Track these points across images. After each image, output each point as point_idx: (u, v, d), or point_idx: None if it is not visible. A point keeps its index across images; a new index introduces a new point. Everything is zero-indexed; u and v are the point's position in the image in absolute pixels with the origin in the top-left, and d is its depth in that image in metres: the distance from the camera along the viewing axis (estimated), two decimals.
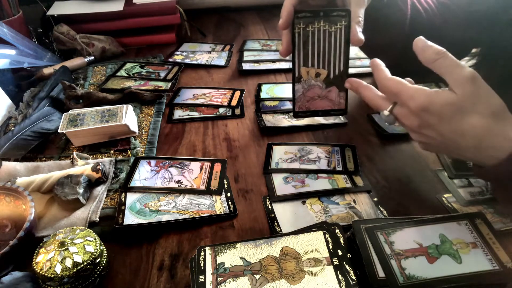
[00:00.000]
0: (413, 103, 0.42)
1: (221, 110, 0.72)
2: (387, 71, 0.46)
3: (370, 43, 0.54)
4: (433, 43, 0.43)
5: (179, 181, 0.55)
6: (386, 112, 0.46)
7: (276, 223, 0.48)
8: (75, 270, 0.39)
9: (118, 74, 0.85)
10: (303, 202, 0.51)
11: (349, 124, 0.67)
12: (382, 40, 0.67)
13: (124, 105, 0.66)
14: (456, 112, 0.40)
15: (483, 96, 0.40)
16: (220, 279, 0.40)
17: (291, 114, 0.70)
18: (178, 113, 0.72)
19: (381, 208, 0.50)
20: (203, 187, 0.54)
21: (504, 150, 0.39)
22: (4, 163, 0.56)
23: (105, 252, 0.44)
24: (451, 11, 0.70)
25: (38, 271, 0.39)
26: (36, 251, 0.41)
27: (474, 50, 0.78)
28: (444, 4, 0.71)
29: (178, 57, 0.93)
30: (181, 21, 1.03)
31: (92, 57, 0.91)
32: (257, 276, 0.40)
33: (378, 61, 0.47)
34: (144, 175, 0.56)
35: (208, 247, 0.43)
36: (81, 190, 0.51)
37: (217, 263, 0.42)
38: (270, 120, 0.68)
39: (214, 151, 0.62)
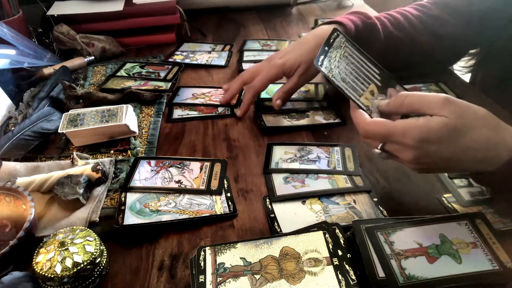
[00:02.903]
0: (409, 139, 0.40)
1: (220, 109, 0.72)
2: (365, 114, 0.45)
3: None
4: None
5: (179, 181, 0.55)
6: (377, 150, 0.44)
7: (276, 223, 0.48)
8: (75, 270, 0.39)
9: (118, 74, 0.85)
10: (303, 202, 0.51)
11: (349, 124, 0.67)
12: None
13: (124, 105, 0.66)
14: (454, 133, 0.39)
15: (468, 110, 0.40)
16: (220, 279, 0.40)
17: (291, 114, 0.70)
18: (178, 113, 0.72)
19: (381, 208, 0.50)
20: (203, 187, 0.54)
21: (503, 156, 0.40)
22: (4, 163, 0.56)
23: (105, 252, 0.44)
24: (452, 9, 0.70)
25: (38, 271, 0.39)
26: (36, 251, 0.41)
27: (473, 51, 0.78)
28: (445, 3, 0.71)
29: (178, 57, 0.93)
30: (181, 21, 1.03)
31: (92, 57, 0.91)
32: (257, 276, 0.40)
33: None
34: (144, 175, 0.56)
35: (208, 247, 0.43)
36: (81, 190, 0.51)
37: (217, 263, 0.42)
38: (270, 120, 0.68)
39: (214, 151, 0.62)
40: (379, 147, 0.44)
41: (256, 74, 0.68)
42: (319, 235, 0.44)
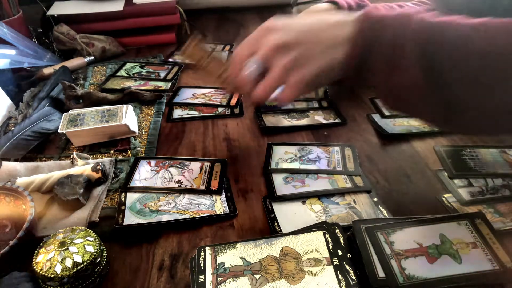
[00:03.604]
0: (261, 27, 0.46)
1: (220, 109, 0.72)
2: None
3: None
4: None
5: (179, 181, 0.55)
6: (252, 61, 0.46)
7: (276, 223, 0.48)
8: (75, 270, 0.39)
9: (118, 74, 0.85)
10: (303, 202, 0.51)
11: (349, 124, 0.67)
12: None
13: (124, 105, 0.66)
14: (294, 19, 0.46)
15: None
16: (220, 279, 0.40)
17: (291, 114, 0.70)
18: (178, 112, 0.72)
19: (381, 208, 0.50)
20: (203, 187, 0.54)
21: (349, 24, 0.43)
22: (4, 163, 0.56)
23: (105, 252, 0.44)
24: (452, 5, 0.70)
25: (38, 271, 0.39)
26: (36, 251, 0.41)
27: None
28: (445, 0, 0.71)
29: (178, 57, 0.92)
30: (181, 21, 1.03)
31: (92, 57, 0.91)
32: (257, 276, 0.40)
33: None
34: (144, 175, 0.56)
35: (208, 247, 0.43)
36: (81, 190, 0.51)
37: (217, 263, 0.42)
38: (270, 120, 0.68)
39: (214, 151, 0.62)
40: (256, 60, 0.45)
41: None
42: (319, 235, 0.44)
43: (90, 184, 0.54)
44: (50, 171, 0.56)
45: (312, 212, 0.50)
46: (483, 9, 0.67)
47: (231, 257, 0.42)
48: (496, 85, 0.39)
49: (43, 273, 0.39)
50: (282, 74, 0.43)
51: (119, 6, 0.97)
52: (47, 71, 0.82)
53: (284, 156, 0.60)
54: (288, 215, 0.50)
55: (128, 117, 0.64)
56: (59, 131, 0.61)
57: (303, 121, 0.68)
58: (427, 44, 0.40)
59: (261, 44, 0.45)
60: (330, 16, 0.45)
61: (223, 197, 0.53)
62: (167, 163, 0.59)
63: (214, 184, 0.55)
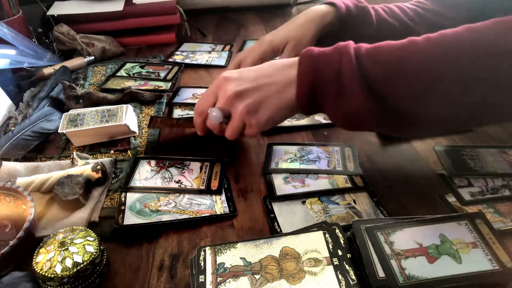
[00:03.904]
0: (218, 79, 0.51)
1: None
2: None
3: None
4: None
5: (179, 181, 0.55)
6: (213, 110, 0.51)
7: (276, 223, 0.48)
8: (75, 270, 0.39)
9: (118, 74, 0.85)
10: (303, 202, 0.51)
11: None
12: None
13: (124, 105, 0.66)
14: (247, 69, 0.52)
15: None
16: (220, 279, 0.40)
17: None
18: (178, 112, 0.72)
19: (381, 208, 0.50)
20: (203, 187, 0.54)
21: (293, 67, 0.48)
22: (4, 163, 0.56)
23: (105, 252, 0.44)
24: (451, 4, 0.70)
25: (38, 271, 0.39)
26: (36, 251, 0.41)
27: None
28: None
29: (178, 57, 0.93)
30: (181, 21, 1.03)
31: (92, 57, 0.91)
32: (257, 276, 0.40)
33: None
34: (144, 175, 0.56)
35: (208, 247, 0.43)
36: (81, 190, 0.51)
37: (217, 263, 0.42)
38: None
39: (214, 151, 0.62)
40: (217, 108, 0.51)
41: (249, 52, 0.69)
42: (319, 235, 0.44)
43: (90, 184, 0.54)
44: (50, 171, 0.56)
45: (312, 212, 0.50)
46: (483, 8, 0.67)
47: (231, 257, 0.42)
48: (436, 96, 0.42)
49: (43, 273, 0.39)
50: (242, 119, 0.50)
51: (119, 6, 0.97)
52: (47, 71, 0.82)
53: (284, 156, 0.60)
54: (288, 215, 0.50)
55: (128, 117, 0.64)
56: (59, 131, 0.61)
57: (303, 121, 0.68)
58: (366, 69, 0.43)
59: (220, 94, 0.50)
60: (278, 61, 0.51)
61: (223, 197, 0.53)
62: (167, 163, 0.59)
63: (214, 184, 0.55)
